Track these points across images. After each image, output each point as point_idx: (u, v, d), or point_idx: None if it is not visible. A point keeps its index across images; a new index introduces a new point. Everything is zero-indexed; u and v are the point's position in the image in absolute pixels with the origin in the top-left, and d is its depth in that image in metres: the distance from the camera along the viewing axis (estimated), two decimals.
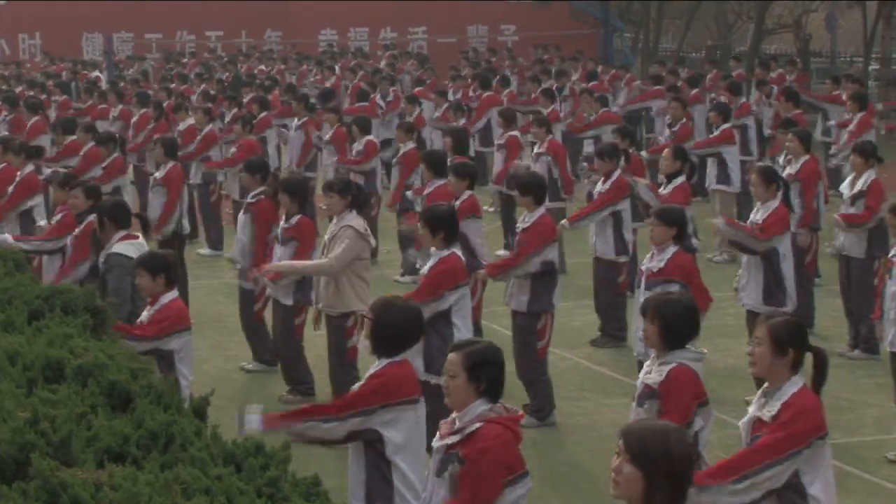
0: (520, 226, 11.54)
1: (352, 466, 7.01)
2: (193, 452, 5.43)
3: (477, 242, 12.52)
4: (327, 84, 30.18)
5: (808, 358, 6.44)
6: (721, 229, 12.15)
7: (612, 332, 13.85)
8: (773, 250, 11.47)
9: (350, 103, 25.68)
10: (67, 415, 5.70)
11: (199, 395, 6.36)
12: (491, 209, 20.77)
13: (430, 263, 9.85)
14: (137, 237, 10.31)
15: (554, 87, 25.59)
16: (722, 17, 44.85)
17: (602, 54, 40.03)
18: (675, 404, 6.92)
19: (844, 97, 21.31)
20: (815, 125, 22.01)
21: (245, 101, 23.12)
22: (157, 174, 15.57)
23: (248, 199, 12.90)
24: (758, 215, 11.68)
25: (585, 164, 18.69)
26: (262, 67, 35.34)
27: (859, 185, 13.31)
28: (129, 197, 16.62)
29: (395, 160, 17.54)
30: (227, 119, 22.71)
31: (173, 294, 8.85)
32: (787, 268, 11.50)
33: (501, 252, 16.99)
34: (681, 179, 13.51)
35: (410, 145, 17.27)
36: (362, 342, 8.53)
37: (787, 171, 14.10)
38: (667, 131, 20.22)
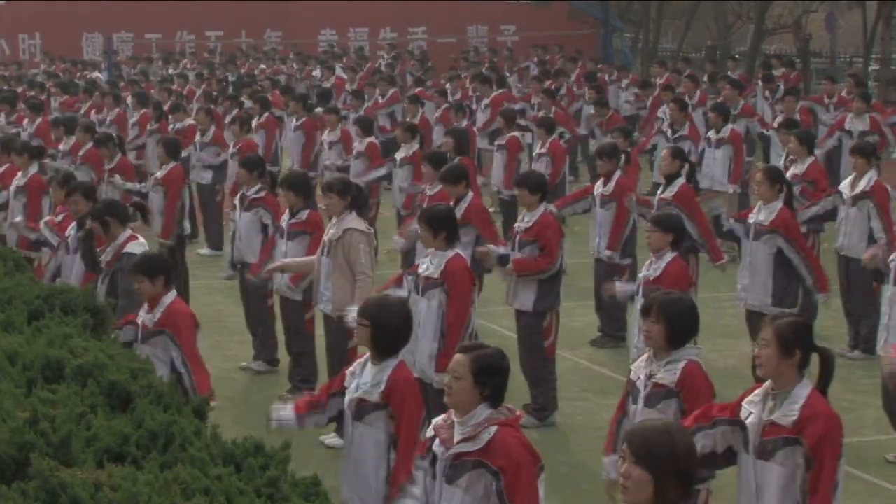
0: (521, 225, 11.48)
1: (369, 477, 6.97)
2: (193, 452, 5.43)
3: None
4: (326, 84, 30.18)
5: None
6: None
7: (613, 332, 13.84)
8: (780, 252, 11.46)
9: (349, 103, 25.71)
10: (67, 415, 5.69)
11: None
12: (491, 209, 20.73)
13: (437, 266, 9.61)
14: (139, 238, 10.30)
15: (552, 87, 25.57)
16: (722, 17, 44.78)
17: (602, 54, 40.04)
18: (701, 402, 6.90)
19: (844, 93, 21.36)
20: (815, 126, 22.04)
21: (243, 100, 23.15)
22: (158, 174, 15.56)
23: (251, 195, 12.87)
24: (760, 215, 11.65)
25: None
26: (263, 67, 35.34)
27: (861, 186, 13.28)
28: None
29: (399, 160, 17.40)
30: (228, 119, 22.68)
31: (173, 294, 8.75)
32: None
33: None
34: (681, 180, 13.49)
35: (415, 146, 17.22)
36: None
37: (792, 172, 14.09)
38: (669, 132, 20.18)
